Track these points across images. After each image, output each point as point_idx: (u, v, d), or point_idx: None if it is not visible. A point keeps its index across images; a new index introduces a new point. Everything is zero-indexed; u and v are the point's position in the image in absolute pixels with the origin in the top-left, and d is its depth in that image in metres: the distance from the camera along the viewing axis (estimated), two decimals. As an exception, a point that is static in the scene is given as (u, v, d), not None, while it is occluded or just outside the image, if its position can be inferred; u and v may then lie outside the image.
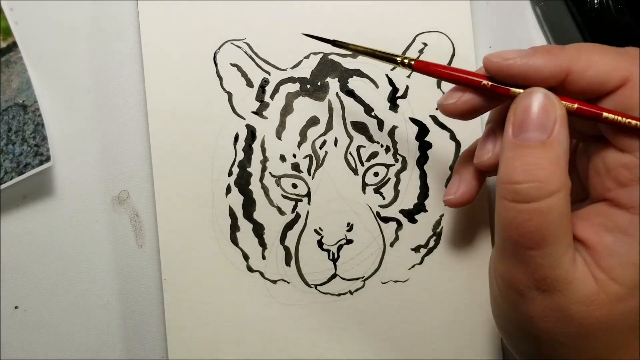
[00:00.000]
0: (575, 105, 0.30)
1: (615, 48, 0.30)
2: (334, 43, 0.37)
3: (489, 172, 0.36)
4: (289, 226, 0.42)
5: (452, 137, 0.43)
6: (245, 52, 0.43)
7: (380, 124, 0.43)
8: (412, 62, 0.33)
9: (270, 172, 0.42)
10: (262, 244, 0.42)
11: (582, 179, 0.34)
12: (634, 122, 0.29)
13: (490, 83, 0.31)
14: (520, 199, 0.29)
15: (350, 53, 0.43)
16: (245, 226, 0.42)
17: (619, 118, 0.29)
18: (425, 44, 0.43)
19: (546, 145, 0.28)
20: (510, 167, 0.29)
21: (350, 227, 0.42)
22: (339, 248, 0.42)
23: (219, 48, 0.43)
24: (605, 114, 0.29)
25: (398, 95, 0.43)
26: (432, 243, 0.43)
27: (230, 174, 0.42)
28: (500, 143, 0.32)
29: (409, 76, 0.43)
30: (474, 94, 0.32)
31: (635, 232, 0.29)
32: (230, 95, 0.43)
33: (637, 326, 0.29)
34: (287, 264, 0.42)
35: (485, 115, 0.44)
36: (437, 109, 0.41)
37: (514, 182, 0.29)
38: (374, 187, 0.43)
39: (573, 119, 0.30)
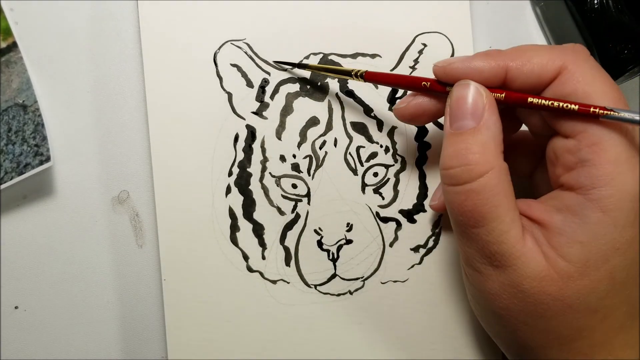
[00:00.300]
0: (503, 95, 0.32)
1: (548, 46, 0.33)
2: (296, 65, 0.42)
3: None
4: (288, 226, 0.42)
5: (452, 137, 0.43)
6: (245, 53, 0.43)
7: (380, 124, 0.43)
8: (364, 74, 0.37)
9: (270, 173, 0.42)
10: (262, 244, 0.42)
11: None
12: (556, 103, 0.31)
13: (429, 83, 0.35)
14: (455, 181, 0.32)
15: (350, 53, 0.43)
16: (245, 226, 0.42)
17: (544, 101, 0.31)
18: (425, 45, 0.43)
19: (475, 131, 0.31)
20: (446, 153, 0.32)
21: (349, 227, 0.42)
22: (339, 248, 0.42)
23: (219, 48, 0.43)
24: (530, 99, 0.32)
25: (397, 95, 0.43)
26: (431, 243, 0.43)
27: (230, 174, 0.42)
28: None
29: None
30: (422, 97, 0.36)
31: (582, 211, 0.30)
32: (230, 95, 0.43)
33: (597, 308, 0.30)
34: (287, 264, 0.42)
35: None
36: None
37: (448, 167, 0.32)
38: (373, 187, 0.43)
39: (528, 119, 0.34)
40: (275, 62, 0.43)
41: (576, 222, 0.30)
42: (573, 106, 0.30)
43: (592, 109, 0.30)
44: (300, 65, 0.42)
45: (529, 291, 0.31)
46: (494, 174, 0.31)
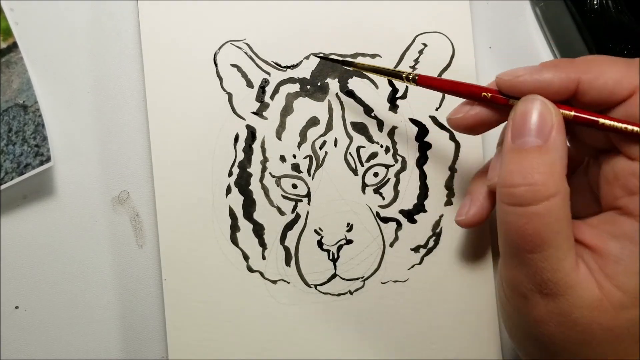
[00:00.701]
0: (572, 113, 0.30)
1: (624, 59, 0.31)
2: (343, 63, 0.40)
3: None
4: (289, 226, 0.42)
5: (452, 137, 0.43)
6: (246, 53, 0.43)
7: (380, 124, 0.43)
8: (416, 77, 0.35)
9: (270, 173, 0.42)
10: (262, 244, 0.42)
11: (595, 191, 0.34)
12: (635, 128, 0.29)
13: (490, 94, 0.32)
14: (518, 202, 0.29)
15: (350, 53, 0.43)
16: (245, 226, 0.42)
17: (617, 124, 0.29)
18: (425, 45, 0.43)
19: (542, 150, 0.29)
20: (508, 170, 0.30)
21: (350, 228, 0.42)
22: (339, 248, 0.42)
23: (219, 48, 0.43)
24: (602, 121, 0.30)
25: (398, 95, 0.43)
26: (431, 243, 0.43)
27: (230, 174, 0.42)
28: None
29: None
30: (480, 108, 0.33)
31: None
32: (230, 95, 0.43)
33: (637, 336, 0.29)
34: (287, 264, 0.42)
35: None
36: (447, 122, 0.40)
37: (511, 186, 0.29)
38: (373, 187, 0.43)
39: (584, 131, 0.31)
40: (319, 56, 0.41)
41: (634, 251, 0.29)
42: None
43: None
44: (346, 62, 0.40)
45: (579, 320, 0.29)
46: (560, 198, 0.29)
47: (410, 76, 0.35)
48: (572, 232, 0.30)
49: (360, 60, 0.43)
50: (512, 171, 0.29)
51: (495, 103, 0.32)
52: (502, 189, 0.30)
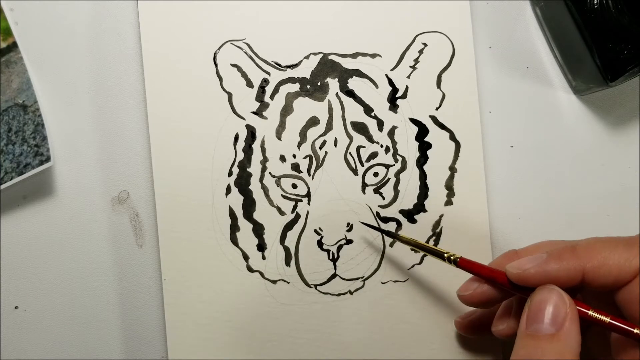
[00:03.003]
0: (590, 312, 0.31)
1: (624, 239, 0.32)
2: (387, 233, 0.42)
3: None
4: (289, 226, 0.42)
5: (452, 137, 0.43)
6: (245, 53, 0.43)
7: (380, 124, 0.43)
8: (457, 260, 0.36)
9: (270, 173, 0.42)
10: (262, 244, 0.42)
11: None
12: (636, 330, 0.30)
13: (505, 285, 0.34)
14: None
15: (350, 53, 0.43)
16: (245, 226, 0.42)
17: (621, 326, 0.31)
18: (425, 44, 0.43)
19: (554, 339, 0.30)
20: (519, 355, 0.31)
21: (350, 227, 0.42)
22: (339, 248, 0.42)
23: (219, 48, 0.43)
24: (609, 320, 0.31)
25: (398, 95, 0.43)
26: (431, 243, 0.43)
27: (230, 174, 0.42)
28: (512, 319, 0.36)
29: (408, 76, 0.43)
30: (487, 286, 0.35)
31: None
32: (230, 95, 0.43)
33: None
34: (287, 264, 0.42)
35: (486, 118, 0.44)
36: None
37: None
38: (373, 187, 0.43)
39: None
40: (362, 222, 0.42)
41: None
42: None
43: None
44: (389, 234, 0.41)
45: None
46: None
47: (452, 257, 0.36)
48: None
49: (360, 59, 0.43)
50: (522, 356, 0.31)
51: (513, 291, 0.34)
52: None
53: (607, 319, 0.31)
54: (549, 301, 0.31)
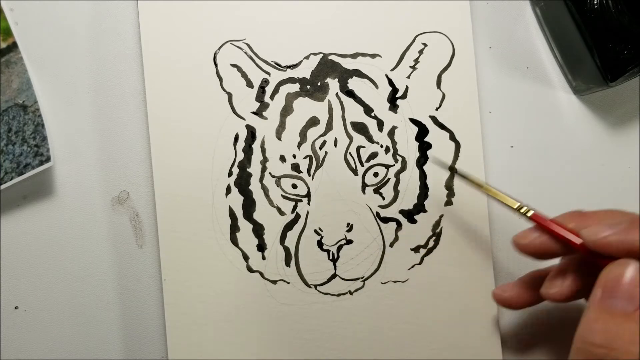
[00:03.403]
0: None
1: None
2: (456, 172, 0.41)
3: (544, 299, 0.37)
4: (288, 226, 0.42)
5: (452, 137, 0.43)
6: (245, 53, 0.43)
7: (380, 124, 0.43)
8: (530, 214, 0.35)
9: (270, 173, 0.42)
10: (262, 244, 0.42)
11: None
12: None
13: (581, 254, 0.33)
14: None
15: (350, 53, 0.43)
16: (245, 226, 0.42)
17: None
18: (425, 44, 0.43)
19: (630, 318, 0.29)
20: (592, 328, 0.30)
21: (350, 228, 0.42)
22: (339, 248, 0.42)
23: (219, 48, 0.43)
24: None
25: (398, 95, 0.43)
26: (431, 243, 0.43)
27: (230, 174, 0.42)
28: (567, 281, 0.35)
29: (408, 76, 0.43)
30: (547, 238, 0.34)
31: None
32: (230, 95, 0.43)
33: None
34: (287, 264, 0.42)
35: (486, 118, 0.44)
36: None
37: (592, 344, 0.30)
38: (373, 187, 0.43)
39: None
40: (456, 170, 0.41)
41: None
42: None
43: None
44: (459, 173, 0.40)
45: None
46: None
47: (523, 210, 0.35)
48: None
49: (360, 59, 0.43)
50: (596, 330, 0.30)
51: (586, 259, 0.33)
52: (581, 345, 0.30)
53: None
54: (628, 276, 0.30)
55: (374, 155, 0.42)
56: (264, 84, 0.43)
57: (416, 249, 0.43)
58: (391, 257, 0.43)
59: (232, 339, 0.42)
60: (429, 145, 0.43)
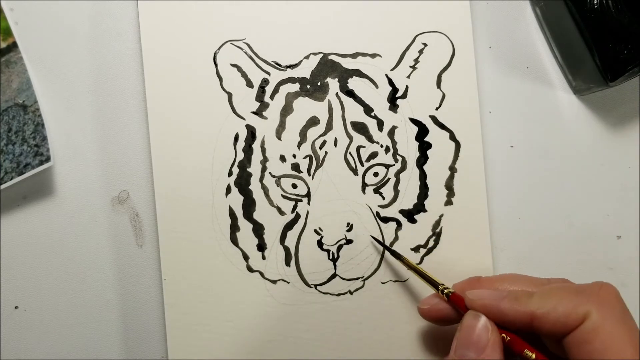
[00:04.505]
0: (508, 338, 0.34)
1: (578, 287, 0.34)
2: (393, 253, 0.42)
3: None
4: (288, 226, 0.42)
5: (452, 137, 0.43)
6: (245, 53, 0.43)
7: (380, 124, 0.43)
8: (450, 294, 0.37)
9: (270, 172, 0.42)
10: (262, 244, 0.42)
11: None
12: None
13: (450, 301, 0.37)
14: None
15: (350, 53, 0.43)
16: (245, 226, 0.42)
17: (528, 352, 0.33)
18: (425, 44, 0.43)
19: None
20: None
21: (350, 227, 0.42)
22: (339, 248, 0.42)
23: (219, 48, 0.43)
24: (526, 351, 0.33)
25: (398, 95, 0.43)
26: (431, 243, 0.43)
27: (230, 174, 0.42)
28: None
29: (408, 76, 0.43)
30: (445, 305, 0.37)
31: None
32: (230, 95, 0.43)
33: None
34: (287, 264, 0.42)
35: (486, 118, 0.44)
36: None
37: None
38: (373, 187, 0.43)
39: None
40: (373, 238, 0.42)
41: None
42: None
43: None
44: (394, 253, 0.41)
45: None
46: None
47: (446, 290, 0.37)
48: None
49: (360, 59, 0.43)
50: None
51: (460, 311, 0.36)
52: None
53: (533, 355, 0.33)
54: (474, 327, 0.33)
55: (374, 155, 0.42)
56: (264, 83, 0.43)
57: (416, 249, 0.43)
58: (391, 257, 0.43)
59: (232, 339, 0.42)
60: (429, 145, 0.43)
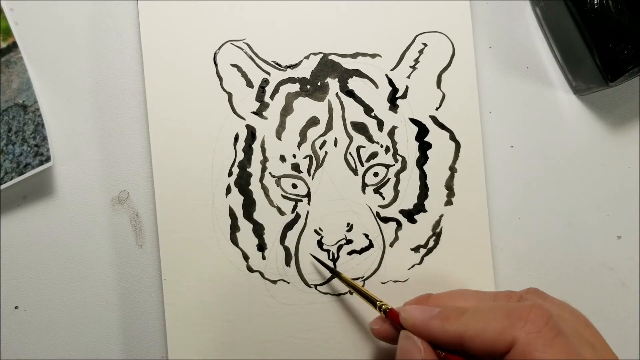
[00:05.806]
0: (442, 354, 0.33)
1: (509, 309, 0.32)
2: (332, 271, 0.42)
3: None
4: (289, 226, 0.42)
5: (452, 137, 0.43)
6: (245, 53, 0.43)
7: (380, 124, 0.43)
8: (387, 310, 0.37)
9: (270, 173, 0.42)
10: (262, 244, 0.42)
11: None
12: None
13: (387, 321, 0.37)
14: None
15: (350, 53, 0.43)
16: (245, 226, 0.42)
17: None
18: (425, 44, 0.43)
19: None
20: None
21: (350, 227, 0.42)
22: (339, 248, 0.42)
23: (219, 48, 0.43)
24: None
25: (398, 95, 0.43)
26: (431, 243, 0.43)
27: (230, 174, 0.42)
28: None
29: (408, 76, 0.43)
30: (391, 327, 0.37)
31: None
32: (230, 95, 0.43)
33: None
34: (287, 264, 0.42)
35: (486, 118, 0.44)
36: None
37: None
38: (373, 187, 0.43)
39: None
40: (314, 257, 0.42)
41: None
42: None
43: None
44: (334, 273, 0.41)
45: None
46: None
47: (383, 307, 0.37)
48: None
49: (360, 59, 0.43)
50: None
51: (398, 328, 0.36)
52: None
53: None
54: (406, 350, 0.33)
55: (374, 155, 0.43)
56: (264, 83, 0.43)
57: (416, 249, 0.43)
58: (391, 257, 0.43)
59: (232, 339, 0.42)
60: (429, 145, 0.43)
